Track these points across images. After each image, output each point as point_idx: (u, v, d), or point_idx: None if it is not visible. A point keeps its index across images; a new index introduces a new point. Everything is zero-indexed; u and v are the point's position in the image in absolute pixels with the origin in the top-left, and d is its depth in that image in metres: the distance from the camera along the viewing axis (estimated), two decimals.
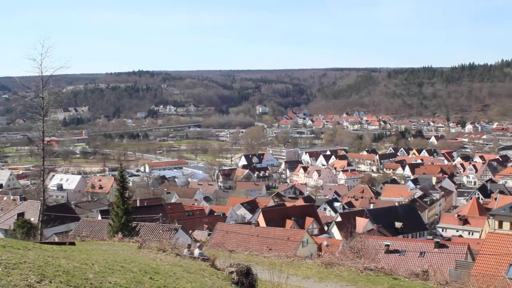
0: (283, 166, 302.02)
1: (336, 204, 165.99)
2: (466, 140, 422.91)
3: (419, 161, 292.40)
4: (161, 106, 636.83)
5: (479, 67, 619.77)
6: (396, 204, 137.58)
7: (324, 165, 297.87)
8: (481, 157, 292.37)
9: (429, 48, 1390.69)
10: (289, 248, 59.83)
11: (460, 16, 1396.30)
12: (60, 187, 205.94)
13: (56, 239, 51.57)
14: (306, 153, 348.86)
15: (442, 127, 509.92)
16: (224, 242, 56.10)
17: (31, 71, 46.96)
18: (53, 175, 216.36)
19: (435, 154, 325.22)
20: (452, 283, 29.87)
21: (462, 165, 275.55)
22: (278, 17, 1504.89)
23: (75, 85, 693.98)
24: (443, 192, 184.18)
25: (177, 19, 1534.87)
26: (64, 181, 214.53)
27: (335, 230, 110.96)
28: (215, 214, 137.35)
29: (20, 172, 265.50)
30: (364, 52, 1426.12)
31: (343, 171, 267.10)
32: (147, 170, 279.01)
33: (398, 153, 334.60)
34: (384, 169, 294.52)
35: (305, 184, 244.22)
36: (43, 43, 44.97)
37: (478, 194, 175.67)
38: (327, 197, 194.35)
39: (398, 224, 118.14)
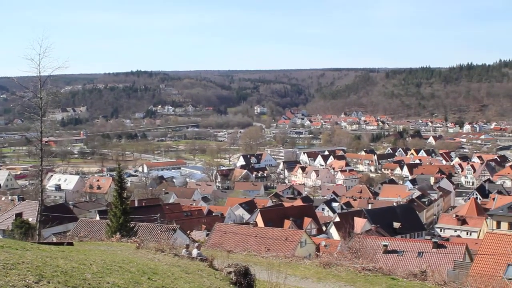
0: (281, 166, 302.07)
1: (334, 204, 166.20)
2: (464, 140, 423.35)
3: (417, 161, 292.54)
4: (159, 106, 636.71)
5: (477, 67, 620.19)
6: (394, 204, 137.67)
7: (322, 165, 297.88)
8: (479, 157, 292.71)
9: (427, 49, 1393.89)
10: (287, 248, 59.78)
11: (458, 16, 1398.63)
12: (58, 188, 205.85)
13: (54, 240, 51.56)
14: (304, 153, 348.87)
15: (440, 127, 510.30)
16: (222, 243, 56.06)
17: (29, 71, 46.97)
18: (51, 176, 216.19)
19: (433, 154, 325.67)
20: (450, 283, 29.87)
21: (460, 165, 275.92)
22: (276, 17, 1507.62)
23: (73, 85, 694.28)
24: (441, 192, 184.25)
25: (175, 20, 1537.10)
26: (62, 181, 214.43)
27: (333, 230, 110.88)
28: (213, 214, 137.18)
29: (18, 173, 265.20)
30: (362, 53, 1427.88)
31: (341, 171, 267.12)
32: (145, 170, 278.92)
33: (396, 153, 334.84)
34: (382, 169, 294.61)
35: (303, 184, 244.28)
36: (41, 43, 44.98)
37: (476, 194, 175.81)
38: (325, 197, 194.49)
39: (396, 224, 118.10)
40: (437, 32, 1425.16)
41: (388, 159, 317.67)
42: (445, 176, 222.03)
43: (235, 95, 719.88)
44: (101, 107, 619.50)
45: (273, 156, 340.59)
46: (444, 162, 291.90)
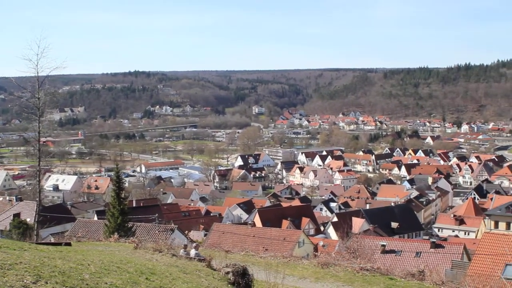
0: (279, 166, 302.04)
1: (332, 205, 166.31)
2: (462, 140, 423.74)
3: (415, 161, 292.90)
4: (157, 107, 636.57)
5: (475, 68, 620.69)
6: (392, 204, 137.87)
7: (320, 166, 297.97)
8: (477, 157, 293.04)
9: (425, 49, 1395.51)
10: (285, 249, 59.78)
11: (456, 16, 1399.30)
12: (56, 188, 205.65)
13: (52, 240, 51.56)
14: (302, 153, 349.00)
15: (438, 127, 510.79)
16: (220, 243, 56.05)
17: (27, 72, 46.77)
18: (49, 176, 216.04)
19: (431, 154, 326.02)
20: (448, 283, 29.90)
21: (458, 165, 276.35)
22: (274, 17, 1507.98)
23: (71, 85, 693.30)
24: (439, 192, 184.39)
25: (173, 20, 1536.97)
26: (60, 181, 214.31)
27: (331, 231, 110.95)
28: (211, 214, 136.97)
29: (16, 173, 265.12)
30: (360, 53, 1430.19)
31: (339, 171, 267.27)
32: (143, 170, 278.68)
33: (394, 154, 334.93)
34: (380, 170, 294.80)
35: (301, 184, 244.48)
36: (39, 43, 44.82)
37: (474, 194, 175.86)
38: (323, 197, 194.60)
39: (394, 224, 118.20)
40: (435, 32, 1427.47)
41: (386, 159, 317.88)
42: (443, 176, 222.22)
43: (233, 95, 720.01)
44: (99, 107, 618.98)
45: (271, 156, 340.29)
46: (442, 162, 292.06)
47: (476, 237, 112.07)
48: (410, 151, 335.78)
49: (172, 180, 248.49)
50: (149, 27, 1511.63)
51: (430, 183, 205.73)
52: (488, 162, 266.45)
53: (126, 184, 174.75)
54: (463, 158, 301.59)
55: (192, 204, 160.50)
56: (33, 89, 47.93)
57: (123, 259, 20.47)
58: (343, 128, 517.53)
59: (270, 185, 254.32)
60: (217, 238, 67.09)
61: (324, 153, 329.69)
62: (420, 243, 71.61)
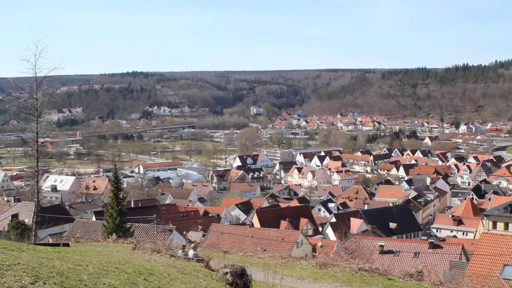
0: (277, 167, 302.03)
1: (331, 205, 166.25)
2: (460, 140, 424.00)
3: (413, 161, 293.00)
4: (155, 107, 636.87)
5: (473, 68, 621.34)
6: (391, 204, 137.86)
7: (319, 166, 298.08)
8: (475, 157, 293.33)
9: (423, 49, 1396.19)
10: (284, 249, 59.81)
11: (454, 16, 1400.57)
12: (54, 188, 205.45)
13: (50, 241, 51.45)
14: (300, 154, 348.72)
15: (436, 128, 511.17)
16: (219, 243, 56.07)
17: (25, 72, 46.83)
18: (47, 176, 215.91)
19: (429, 155, 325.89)
20: (447, 284, 29.91)
21: (456, 165, 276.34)
22: (272, 18, 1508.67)
23: (69, 86, 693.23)
24: (437, 193, 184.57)
25: (172, 20, 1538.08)
26: (58, 182, 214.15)
27: (329, 231, 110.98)
28: (210, 215, 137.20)
29: (14, 173, 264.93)
30: (359, 53, 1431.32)
31: (338, 172, 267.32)
32: (141, 171, 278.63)
33: (392, 154, 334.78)
34: (379, 170, 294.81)
35: (300, 185, 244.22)
36: (37, 44, 44.88)
37: (472, 195, 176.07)
38: (321, 198, 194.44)
39: (392, 225, 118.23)
40: (433, 33, 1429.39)
41: (384, 160, 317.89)
42: (441, 176, 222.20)
43: (231, 95, 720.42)
44: (97, 108, 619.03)
45: (269, 157, 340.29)
46: (440, 162, 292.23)
47: (474, 237, 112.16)
48: (408, 151, 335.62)
49: (170, 181, 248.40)
50: (147, 28, 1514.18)
51: (428, 184, 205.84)
52: (486, 163, 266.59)
53: (124, 185, 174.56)
54: (461, 158, 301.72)
55: (190, 204, 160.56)
56: (31, 90, 47.93)
57: (121, 259, 20.45)
58: (341, 129, 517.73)
59: (268, 186, 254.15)
60: (215, 238, 67.09)
61: (322, 153, 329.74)
62: (418, 244, 71.66)
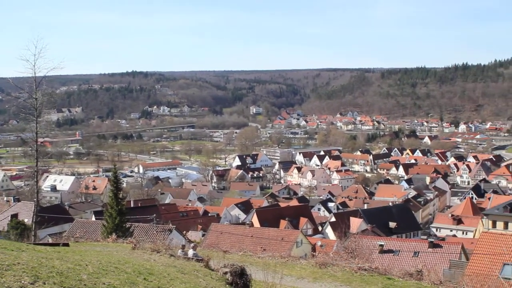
0: (277, 166, 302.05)
1: (330, 204, 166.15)
2: (459, 140, 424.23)
3: (413, 161, 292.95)
4: (155, 107, 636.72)
5: (472, 67, 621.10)
6: (390, 204, 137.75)
7: (318, 166, 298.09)
8: (475, 157, 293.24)
9: (423, 49, 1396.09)
10: (283, 249, 59.80)
11: (453, 16, 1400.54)
12: (53, 188, 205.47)
13: (50, 240, 51.44)
14: (300, 153, 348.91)
15: (436, 127, 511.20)
16: (218, 243, 56.08)
17: (24, 72, 46.87)
18: (47, 176, 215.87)
19: (428, 154, 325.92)
20: (446, 283, 29.91)
21: (455, 165, 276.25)
22: (271, 17, 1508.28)
23: (68, 86, 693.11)
24: (437, 192, 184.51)
25: (171, 20, 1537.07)
26: (58, 182, 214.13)
27: (329, 230, 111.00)
28: (209, 214, 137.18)
29: (14, 173, 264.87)
30: (358, 53, 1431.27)
31: (337, 171, 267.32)
32: (141, 171, 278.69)
33: (392, 153, 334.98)
34: (378, 169, 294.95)
35: (299, 184, 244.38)
36: (36, 43, 44.90)
37: (471, 194, 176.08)
38: (321, 197, 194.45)
39: (392, 224, 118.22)
40: (433, 32, 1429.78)
41: (384, 159, 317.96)
42: (440, 176, 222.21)
43: (230, 95, 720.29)
44: (96, 107, 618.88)
45: (268, 156, 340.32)
46: (439, 162, 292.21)
47: (474, 236, 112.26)
48: (408, 151, 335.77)
49: (170, 181, 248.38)
50: (147, 27, 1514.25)
51: (428, 183, 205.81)
52: (486, 162, 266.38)
53: (124, 185, 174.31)
54: (460, 157, 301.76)
55: (190, 204, 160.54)
56: (31, 90, 47.92)
57: (121, 259, 20.44)
58: (340, 128, 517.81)
59: (268, 185, 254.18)
60: (215, 238, 67.09)
61: (322, 153, 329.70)
62: (418, 243, 71.65)
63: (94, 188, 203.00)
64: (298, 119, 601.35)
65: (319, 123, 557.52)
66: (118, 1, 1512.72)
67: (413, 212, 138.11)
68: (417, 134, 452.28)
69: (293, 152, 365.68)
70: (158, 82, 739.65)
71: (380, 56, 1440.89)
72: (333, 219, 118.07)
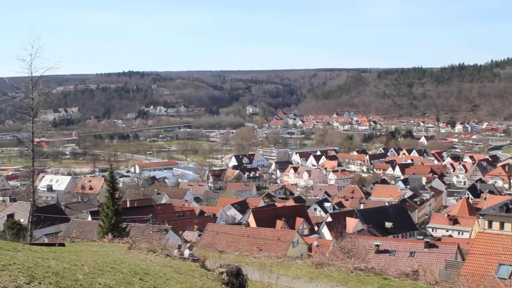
0: (273, 166, 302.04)
1: (327, 204, 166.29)
2: (456, 140, 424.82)
3: (409, 161, 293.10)
4: (151, 107, 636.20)
5: (468, 68, 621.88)
6: (386, 204, 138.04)
7: (315, 166, 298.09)
8: (471, 157, 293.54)
9: (419, 49, 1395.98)
10: (280, 249, 59.76)
11: (450, 16, 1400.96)
12: (50, 188, 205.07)
13: (46, 240, 51.44)
14: (296, 153, 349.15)
15: (432, 127, 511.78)
16: (215, 243, 56.03)
17: (20, 72, 46.63)
18: (43, 176, 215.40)
19: (425, 154, 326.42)
20: (442, 283, 29.97)
21: (452, 165, 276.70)
22: (268, 17, 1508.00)
23: (65, 85, 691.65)
24: (433, 192, 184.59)
25: (170, 20, 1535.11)
26: (54, 182, 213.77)
27: (325, 230, 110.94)
28: (206, 214, 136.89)
29: (10, 173, 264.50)
30: (355, 53, 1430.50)
31: (333, 171, 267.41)
32: (137, 171, 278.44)
33: (388, 153, 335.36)
34: (374, 169, 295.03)
35: (296, 184, 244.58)
36: (33, 43, 44.77)
37: (468, 194, 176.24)
38: (317, 197, 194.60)
39: (388, 224, 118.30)
40: (429, 32, 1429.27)
41: (380, 159, 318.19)
42: (437, 176, 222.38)
43: (227, 95, 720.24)
44: (93, 107, 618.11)
45: (265, 157, 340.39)
46: (436, 162, 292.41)
47: (470, 236, 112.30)
48: (404, 151, 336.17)
49: (166, 181, 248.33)
50: (145, 27, 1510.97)
51: (424, 183, 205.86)
52: (482, 162, 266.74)
53: (120, 185, 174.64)
54: (457, 158, 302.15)
55: (186, 204, 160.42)
56: (27, 90, 47.82)
57: (117, 259, 20.45)
58: (337, 128, 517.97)
59: (264, 185, 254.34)
60: (211, 238, 67.06)
61: (318, 153, 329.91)
62: (414, 243, 71.75)
63: (90, 188, 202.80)
64: (294, 119, 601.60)
65: (316, 123, 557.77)
66: (118, 1, 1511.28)
67: (409, 212, 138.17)
68: (414, 134, 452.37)
69: (290, 152, 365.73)
70: (155, 82, 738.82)
71: (377, 56, 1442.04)
72: (329, 219, 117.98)
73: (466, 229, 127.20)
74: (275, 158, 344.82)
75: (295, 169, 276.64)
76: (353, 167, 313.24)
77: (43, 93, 49.86)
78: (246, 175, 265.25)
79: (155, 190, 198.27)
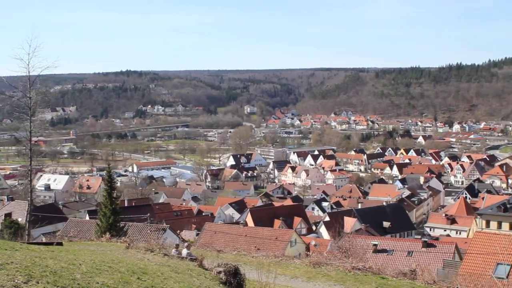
0: (271, 166, 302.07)
1: (324, 204, 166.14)
2: (453, 140, 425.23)
3: (407, 161, 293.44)
4: (149, 106, 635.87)
5: (466, 67, 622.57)
6: (384, 203, 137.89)
7: (312, 165, 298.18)
8: (469, 156, 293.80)
9: (417, 49, 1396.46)
10: (277, 248, 59.83)
11: (448, 16, 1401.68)
12: (47, 187, 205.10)
13: (44, 240, 51.36)
14: (294, 153, 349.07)
15: (430, 127, 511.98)
16: (212, 242, 56.09)
17: (18, 71, 46.76)
18: (41, 175, 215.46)
19: (422, 154, 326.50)
20: (440, 282, 29.96)
21: (449, 164, 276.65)
22: (266, 17, 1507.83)
23: (62, 85, 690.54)
24: (430, 192, 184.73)
25: (170, 20, 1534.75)
26: (52, 181, 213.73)
27: (323, 230, 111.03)
28: (203, 214, 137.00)
29: (8, 172, 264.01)
30: (352, 52, 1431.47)
31: (331, 171, 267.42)
32: (135, 170, 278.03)
33: (386, 153, 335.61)
34: (372, 169, 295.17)
35: (293, 184, 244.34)
36: (30, 42, 44.80)
37: (465, 194, 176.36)
38: (315, 196, 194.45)
39: (386, 224, 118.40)
40: (427, 32, 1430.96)
41: (378, 159, 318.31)
42: (434, 175, 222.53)
43: (225, 95, 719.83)
44: (90, 106, 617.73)
45: (263, 156, 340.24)
46: (433, 161, 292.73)
47: (467, 236, 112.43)
48: (402, 150, 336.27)
49: (164, 180, 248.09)
50: (143, 27, 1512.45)
51: (421, 183, 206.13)
52: (480, 162, 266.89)
53: (118, 184, 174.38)
54: (454, 157, 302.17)
55: (184, 203, 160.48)
56: (25, 89, 47.87)
57: (115, 258, 20.42)
58: (335, 128, 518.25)
59: (262, 185, 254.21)
60: (209, 237, 67.10)
61: (316, 152, 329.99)
62: (411, 243, 71.74)
63: (88, 187, 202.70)
64: (292, 118, 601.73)
65: (313, 123, 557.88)
66: (118, 1, 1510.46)
67: (407, 211, 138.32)
68: (411, 133, 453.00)
69: (287, 152, 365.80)
70: (153, 81, 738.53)
71: (375, 55, 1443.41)
72: (327, 218, 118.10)
73: (463, 228, 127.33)
74: (273, 157, 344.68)
75: (293, 168, 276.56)
76: (351, 167, 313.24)
77: (41, 92, 49.94)
78: (244, 175, 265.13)
79: (153, 189, 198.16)
